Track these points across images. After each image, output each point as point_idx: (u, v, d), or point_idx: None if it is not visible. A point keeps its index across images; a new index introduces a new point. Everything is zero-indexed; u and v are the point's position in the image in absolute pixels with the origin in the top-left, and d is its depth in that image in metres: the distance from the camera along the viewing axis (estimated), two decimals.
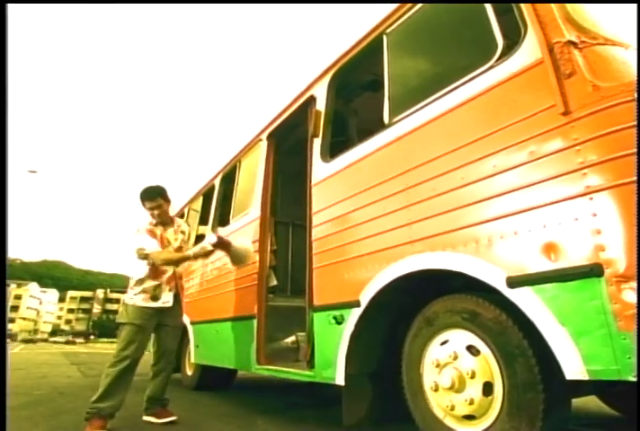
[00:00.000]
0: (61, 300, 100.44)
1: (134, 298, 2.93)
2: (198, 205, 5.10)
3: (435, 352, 1.78)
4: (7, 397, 2.34)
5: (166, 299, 3.00)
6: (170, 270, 3.05)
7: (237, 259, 3.24)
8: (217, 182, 4.55)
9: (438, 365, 1.74)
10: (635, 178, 1.18)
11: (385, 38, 2.27)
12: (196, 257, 3.13)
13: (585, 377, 1.24)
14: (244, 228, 3.55)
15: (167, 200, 3.13)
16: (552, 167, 1.38)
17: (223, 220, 4.24)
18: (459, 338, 1.69)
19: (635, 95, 1.23)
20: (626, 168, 1.22)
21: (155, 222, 3.11)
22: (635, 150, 1.19)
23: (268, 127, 3.53)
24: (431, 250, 1.78)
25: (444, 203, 1.75)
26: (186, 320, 4.38)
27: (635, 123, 1.21)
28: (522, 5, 1.60)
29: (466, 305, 1.66)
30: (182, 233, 3.24)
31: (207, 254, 3.15)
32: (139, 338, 2.82)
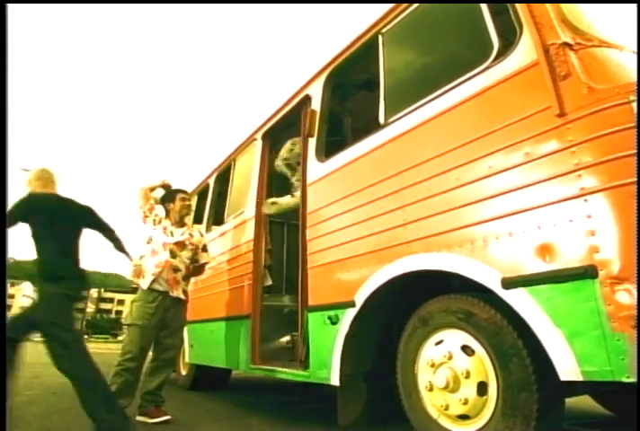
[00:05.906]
0: None
1: None
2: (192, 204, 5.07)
3: (430, 352, 1.79)
4: (8, 397, 2.32)
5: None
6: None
7: None
8: (211, 181, 4.53)
9: (432, 365, 1.75)
10: (634, 179, 1.19)
11: (380, 37, 2.27)
12: None
13: (579, 378, 1.25)
14: (239, 227, 3.55)
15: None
16: (547, 168, 1.39)
17: (218, 219, 4.22)
18: (454, 338, 1.70)
19: (634, 97, 1.23)
20: (620, 170, 1.22)
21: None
22: (636, 151, 1.20)
23: (263, 126, 3.51)
24: (426, 250, 1.78)
25: (439, 204, 1.75)
26: None
27: (635, 125, 1.21)
28: (518, 6, 1.60)
29: (462, 305, 1.67)
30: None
31: None
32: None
